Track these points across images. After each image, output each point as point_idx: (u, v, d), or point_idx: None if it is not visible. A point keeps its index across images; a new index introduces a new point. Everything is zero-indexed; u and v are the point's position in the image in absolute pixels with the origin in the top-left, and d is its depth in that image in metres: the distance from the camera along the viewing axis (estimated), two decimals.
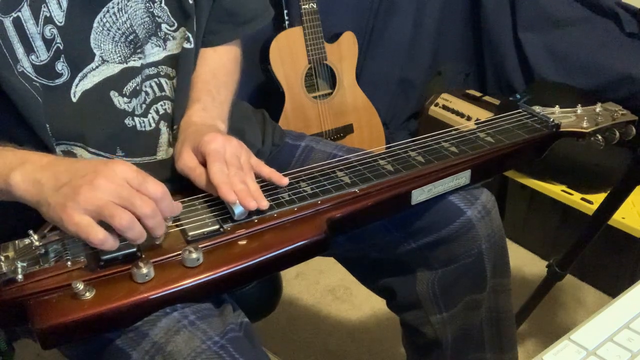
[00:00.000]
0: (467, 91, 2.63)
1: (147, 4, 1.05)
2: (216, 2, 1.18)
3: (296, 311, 2.09)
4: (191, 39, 1.12)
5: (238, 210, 0.94)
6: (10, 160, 0.86)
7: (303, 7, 2.19)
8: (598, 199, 2.01)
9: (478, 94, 2.60)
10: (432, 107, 2.62)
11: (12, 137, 0.97)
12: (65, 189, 0.82)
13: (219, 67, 1.22)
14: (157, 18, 1.07)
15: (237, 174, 0.96)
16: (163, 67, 1.10)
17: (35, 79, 0.95)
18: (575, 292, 2.14)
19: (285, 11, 2.30)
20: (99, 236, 0.81)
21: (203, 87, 1.16)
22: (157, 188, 0.85)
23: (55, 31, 0.95)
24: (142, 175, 0.85)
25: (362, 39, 2.55)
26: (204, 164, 0.98)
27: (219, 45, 1.23)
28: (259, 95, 2.38)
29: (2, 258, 0.83)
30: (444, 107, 2.57)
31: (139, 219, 0.83)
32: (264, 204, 0.96)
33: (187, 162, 1.00)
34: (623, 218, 1.96)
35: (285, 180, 1.02)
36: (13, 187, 0.84)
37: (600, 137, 1.20)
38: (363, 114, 2.44)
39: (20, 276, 0.82)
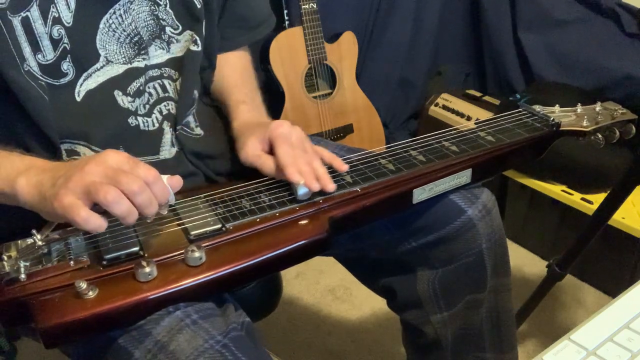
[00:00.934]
0: (467, 91, 2.64)
1: (152, 7, 1.06)
2: (228, 9, 1.22)
3: (296, 311, 2.09)
4: (199, 42, 1.13)
5: (302, 190, 0.97)
6: (17, 166, 0.88)
7: (303, 7, 2.19)
8: (598, 199, 2.01)
9: (478, 94, 2.60)
10: (432, 107, 2.62)
11: (18, 135, 0.99)
12: (60, 180, 0.83)
13: (243, 70, 1.28)
14: (161, 21, 1.08)
15: (302, 155, 1.01)
16: (166, 69, 1.10)
17: (40, 78, 0.96)
18: (575, 292, 2.14)
19: (285, 11, 2.31)
20: (81, 214, 0.80)
21: (239, 90, 1.23)
22: (148, 171, 0.85)
23: (62, 31, 0.96)
24: (133, 160, 0.85)
25: (362, 39, 2.55)
26: (268, 153, 1.04)
27: (232, 50, 1.27)
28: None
29: (5, 258, 0.84)
30: (444, 107, 2.57)
31: (129, 198, 0.82)
32: (331, 186, 0.99)
33: (252, 151, 1.05)
34: (623, 218, 1.96)
35: (345, 167, 1.05)
36: (18, 192, 0.86)
37: (600, 135, 1.21)
38: (363, 114, 2.44)
39: (23, 275, 0.82)
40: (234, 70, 1.27)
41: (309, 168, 0.99)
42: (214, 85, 1.27)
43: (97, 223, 0.81)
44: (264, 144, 1.05)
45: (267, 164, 1.02)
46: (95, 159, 0.84)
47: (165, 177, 0.88)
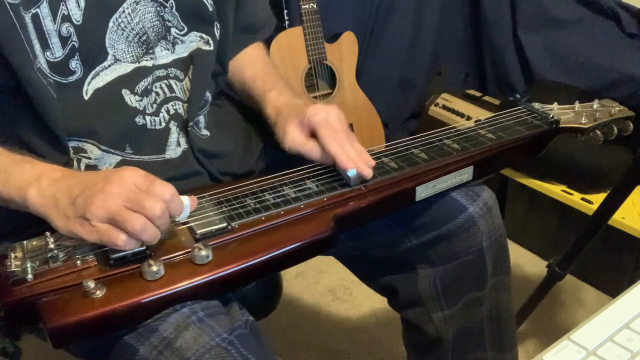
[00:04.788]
0: (467, 91, 2.64)
1: (158, 8, 1.06)
2: (236, 18, 1.23)
3: (296, 311, 2.10)
4: (211, 42, 1.14)
5: (353, 174, 1.01)
6: (28, 175, 0.88)
7: (303, 7, 2.19)
8: (598, 199, 2.02)
9: (478, 94, 2.60)
10: (432, 107, 2.62)
11: (25, 133, 0.99)
12: (79, 200, 0.83)
13: (262, 60, 1.34)
14: (167, 22, 1.08)
15: (346, 140, 1.05)
16: (172, 69, 1.11)
17: (49, 75, 0.96)
18: (575, 292, 2.15)
19: (285, 11, 2.31)
20: (122, 238, 0.83)
21: (263, 80, 1.26)
22: (165, 189, 0.86)
23: (72, 29, 0.96)
24: (150, 178, 0.86)
25: (362, 39, 2.55)
26: (309, 137, 1.08)
27: (237, 52, 1.30)
28: None
29: (13, 258, 0.84)
30: (444, 107, 2.58)
31: (150, 220, 0.84)
32: (370, 172, 1.03)
33: (296, 139, 1.08)
34: (623, 218, 1.96)
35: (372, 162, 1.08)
36: (30, 202, 0.86)
37: (599, 132, 1.22)
38: (363, 114, 2.44)
39: (30, 276, 0.82)
40: (252, 62, 1.30)
41: (355, 153, 1.03)
42: (235, 81, 1.30)
43: (134, 245, 0.84)
44: (304, 129, 1.08)
45: (314, 151, 1.06)
46: (113, 178, 0.84)
47: (186, 199, 0.90)
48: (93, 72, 1.00)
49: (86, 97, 1.00)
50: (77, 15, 0.96)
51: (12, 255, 0.85)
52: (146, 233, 0.83)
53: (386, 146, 1.13)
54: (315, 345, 1.95)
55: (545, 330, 1.97)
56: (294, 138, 1.08)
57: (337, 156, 1.02)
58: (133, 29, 1.03)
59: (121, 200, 0.83)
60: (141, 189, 0.84)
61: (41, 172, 0.89)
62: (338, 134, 1.05)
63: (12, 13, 0.90)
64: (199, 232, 0.91)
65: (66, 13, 0.95)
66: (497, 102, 2.51)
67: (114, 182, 0.84)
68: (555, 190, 2.15)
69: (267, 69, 1.31)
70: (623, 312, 0.76)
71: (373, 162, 1.05)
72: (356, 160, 1.02)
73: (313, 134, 1.08)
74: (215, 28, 1.14)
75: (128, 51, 1.03)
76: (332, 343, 1.96)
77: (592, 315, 0.75)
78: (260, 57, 1.33)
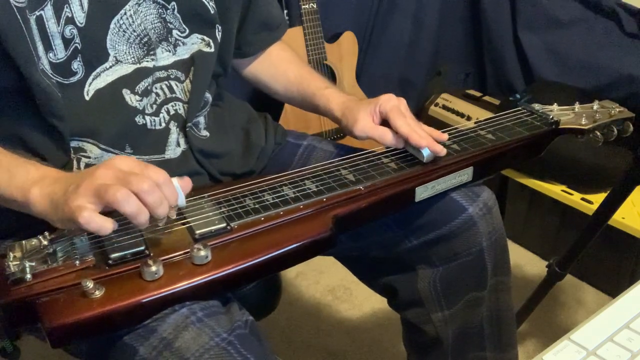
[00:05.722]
0: (467, 91, 2.64)
1: (160, 10, 1.07)
2: (249, 17, 1.26)
3: (296, 311, 2.10)
4: (212, 44, 1.14)
5: (427, 153, 1.07)
6: (32, 176, 0.88)
7: (303, 7, 2.19)
8: (598, 199, 2.02)
9: (478, 94, 2.60)
10: (432, 107, 2.62)
11: (27, 132, 0.99)
12: (71, 187, 0.83)
13: (299, 59, 1.38)
14: (168, 24, 1.08)
15: (416, 123, 1.11)
16: (173, 70, 1.11)
17: (51, 76, 0.96)
18: (575, 292, 2.15)
19: (285, 11, 2.30)
20: (84, 214, 0.79)
21: (313, 79, 1.32)
22: (158, 173, 0.85)
23: (75, 31, 0.96)
24: (143, 164, 0.86)
25: (362, 39, 2.55)
26: (380, 124, 1.14)
27: (259, 52, 1.34)
28: (259, 95, 2.37)
29: (11, 258, 0.84)
30: (444, 107, 2.58)
31: (139, 197, 0.81)
32: (442, 148, 1.09)
33: (367, 124, 1.14)
34: (623, 218, 1.96)
35: (444, 136, 1.14)
36: (31, 201, 0.86)
37: (598, 133, 1.21)
38: None
39: (28, 276, 0.82)
40: (290, 64, 1.36)
41: (425, 133, 1.09)
42: (279, 84, 1.35)
43: (99, 223, 0.80)
44: (375, 116, 1.14)
45: (387, 135, 1.11)
46: (104, 164, 0.84)
47: (175, 179, 0.88)
48: (94, 73, 1.00)
49: (87, 98, 1.01)
50: (80, 18, 0.96)
51: (11, 255, 0.84)
52: (128, 204, 0.80)
53: (386, 146, 1.13)
54: (315, 345, 1.95)
55: (545, 330, 1.97)
56: (365, 124, 1.14)
57: (409, 135, 1.07)
58: (134, 31, 1.03)
59: (108, 180, 0.82)
60: (134, 172, 0.83)
61: (45, 173, 0.89)
62: (407, 118, 1.11)
63: (18, 15, 0.90)
64: (198, 232, 0.91)
65: (70, 15, 0.95)
66: (497, 102, 2.51)
67: (104, 166, 0.84)
68: (555, 190, 2.15)
69: (307, 68, 1.37)
70: (623, 312, 0.76)
71: (445, 137, 1.13)
72: (427, 137, 1.08)
73: (382, 122, 1.14)
74: (217, 30, 1.15)
75: (129, 52, 1.03)
76: (332, 343, 1.96)
77: (592, 315, 0.75)
78: (295, 58, 1.38)
